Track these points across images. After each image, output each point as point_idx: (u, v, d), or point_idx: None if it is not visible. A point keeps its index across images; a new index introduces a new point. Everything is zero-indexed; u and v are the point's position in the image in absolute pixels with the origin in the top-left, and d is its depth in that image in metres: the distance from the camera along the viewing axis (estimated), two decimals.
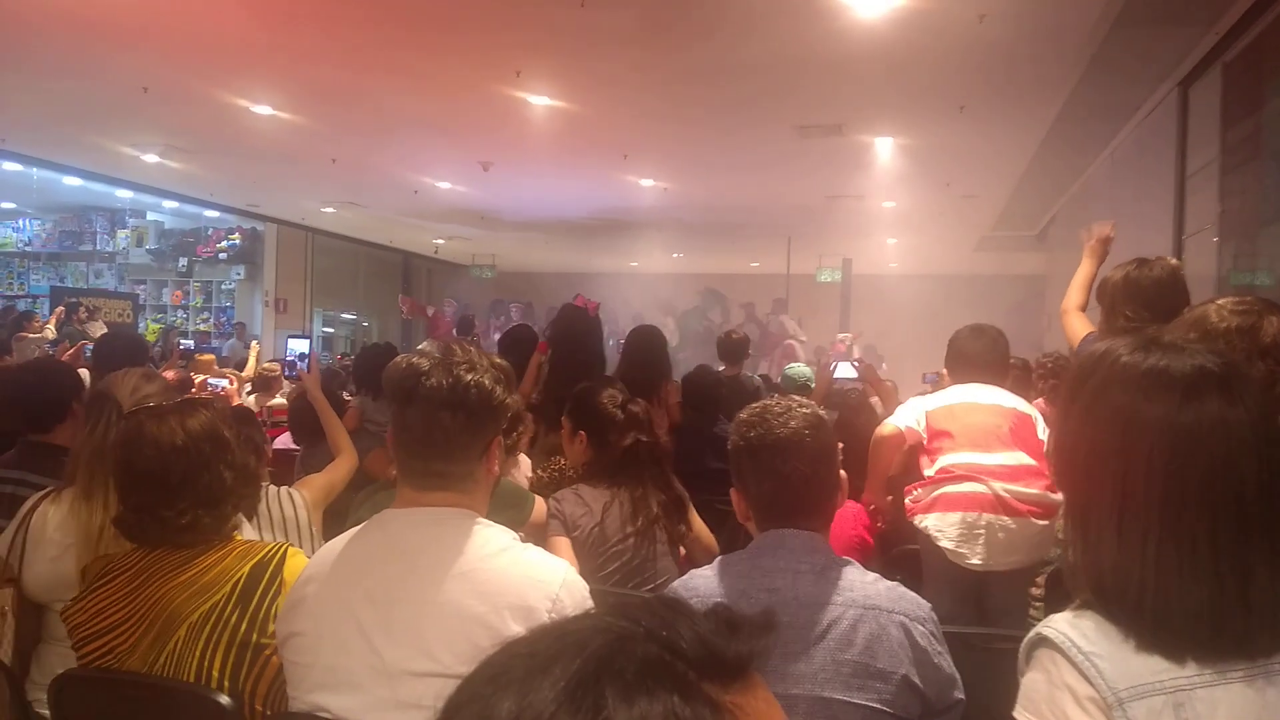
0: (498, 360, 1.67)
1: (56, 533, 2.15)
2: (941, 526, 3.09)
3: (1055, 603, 3.03)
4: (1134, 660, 1.05)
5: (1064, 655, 1.07)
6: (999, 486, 3.04)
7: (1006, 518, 3.03)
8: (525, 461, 3.50)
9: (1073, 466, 1.17)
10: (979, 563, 3.04)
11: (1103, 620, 1.08)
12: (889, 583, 1.71)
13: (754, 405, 1.85)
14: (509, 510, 2.70)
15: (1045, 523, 3.07)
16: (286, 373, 4.24)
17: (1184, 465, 1.07)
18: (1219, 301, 1.93)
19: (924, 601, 1.70)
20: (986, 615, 3.14)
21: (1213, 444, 1.07)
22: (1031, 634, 1.14)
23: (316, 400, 3.24)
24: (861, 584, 1.68)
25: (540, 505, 2.82)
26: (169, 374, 5.28)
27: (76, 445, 2.26)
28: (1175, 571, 1.05)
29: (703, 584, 1.76)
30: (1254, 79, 5.00)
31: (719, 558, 1.82)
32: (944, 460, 3.16)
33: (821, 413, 1.84)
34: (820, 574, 1.68)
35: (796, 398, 1.88)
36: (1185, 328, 1.88)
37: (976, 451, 3.12)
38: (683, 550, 2.91)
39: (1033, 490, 3.06)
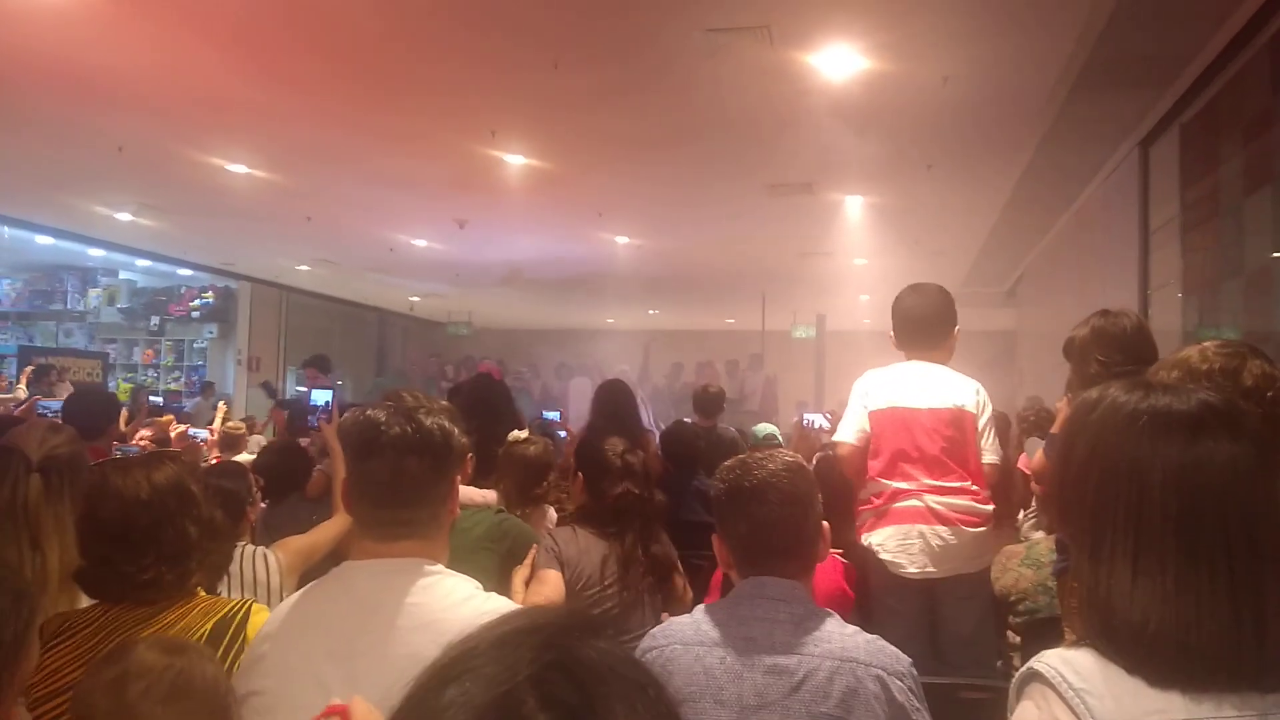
0: (443, 403, 1.68)
1: None
2: (880, 540, 3.21)
3: (1033, 653, 3.05)
4: (1126, 699, 1.05)
5: (1055, 690, 1.07)
6: (931, 500, 3.18)
7: (941, 526, 3.16)
8: (551, 513, 3.51)
9: (1079, 510, 1.17)
10: (916, 571, 3.15)
11: (1100, 658, 1.09)
12: (869, 635, 1.70)
13: (739, 455, 1.89)
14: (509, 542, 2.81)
15: (978, 530, 3.20)
16: (310, 422, 4.22)
17: (1198, 498, 1.08)
18: (1205, 344, 1.98)
19: (904, 656, 1.69)
20: (943, 649, 3.16)
21: (1223, 478, 1.08)
22: (1024, 669, 1.14)
23: (335, 452, 3.08)
24: (840, 636, 1.67)
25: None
26: (146, 431, 5.18)
27: None
28: (1194, 601, 1.06)
29: (680, 631, 1.75)
30: (1211, 139, 5.15)
31: (699, 605, 1.81)
32: (880, 485, 3.27)
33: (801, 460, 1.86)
34: (798, 624, 1.68)
35: (781, 449, 1.91)
36: (1169, 368, 1.92)
37: (911, 474, 3.23)
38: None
39: (962, 501, 3.19)
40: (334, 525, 2.78)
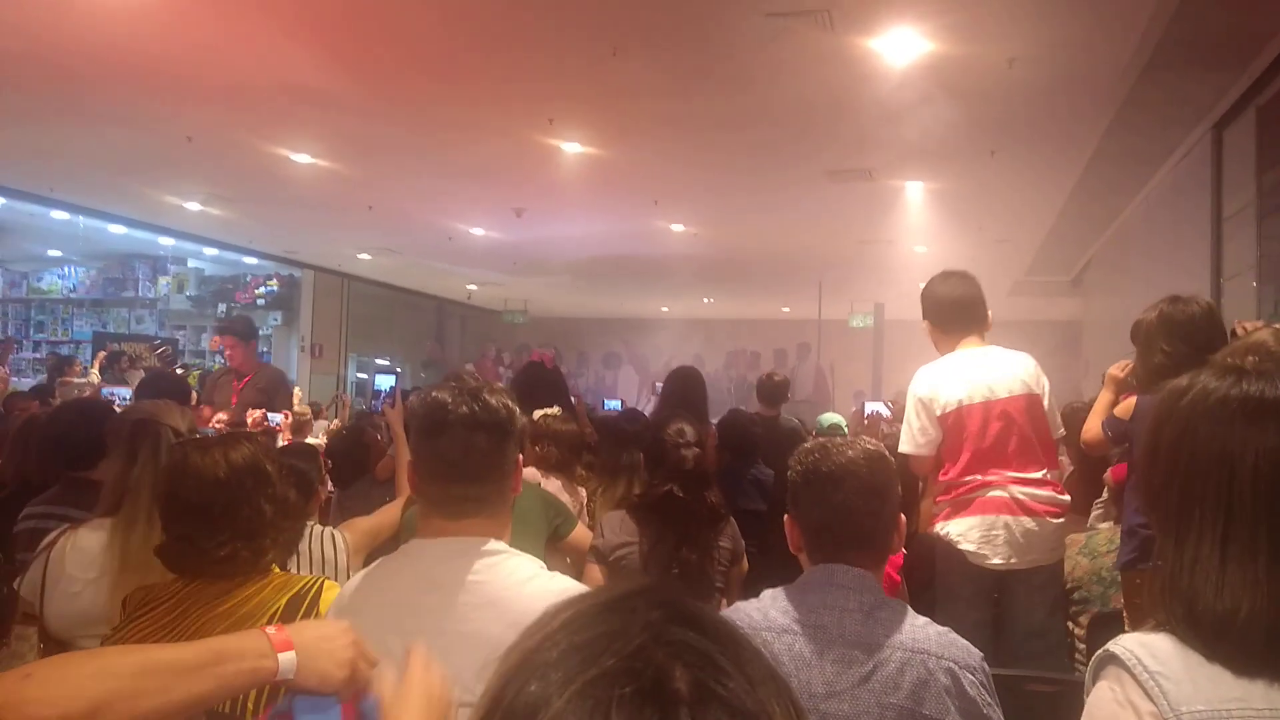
0: (499, 384, 1.73)
1: (76, 569, 2.15)
2: (962, 530, 3.16)
3: (1098, 647, 3.03)
4: (1205, 685, 1.04)
5: (1130, 673, 1.07)
6: (1016, 490, 3.13)
7: (1025, 517, 3.13)
8: (582, 494, 3.60)
9: (1165, 496, 1.16)
10: (1000, 562, 3.11)
11: (1178, 644, 1.08)
12: (940, 628, 1.69)
13: (820, 439, 1.88)
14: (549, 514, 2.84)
15: (1060, 521, 3.17)
16: (374, 406, 4.37)
17: None
18: (1278, 326, 1.94)
19: (975, 650, 1.67)
20: (1013, 640, 3.13)
21: None
22: (1100, 652, 1.14)
23: (398, 435, 3.25)
24: (911, 627, 1.66)
25: (582, 531, 2.86)
26: (223, 415, 5.33)
27: (125, 477, 2.24)
28: None
29: (747, 616, 1.74)
30: None
31: (767, 590, 1.79)
32: (961, 476, 3.21)
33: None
34: (868, 614, 1.66)
35: (866, 438, 1.90)
36: (1243, 351, 1.90)
37: (989, 466, 3.18)
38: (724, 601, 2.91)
39: (1044, 492, 3.16)
40: (398, 506, 2.84)
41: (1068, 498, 3.23)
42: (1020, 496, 3.12)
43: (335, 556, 2.61)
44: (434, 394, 1.65)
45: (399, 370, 16.71)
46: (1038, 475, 3.16)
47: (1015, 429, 3.17)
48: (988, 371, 3.24)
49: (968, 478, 3.18)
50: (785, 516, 1.83)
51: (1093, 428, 3.26)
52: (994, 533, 3.11)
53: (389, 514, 2.84)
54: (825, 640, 1.64)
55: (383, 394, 4.10)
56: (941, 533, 3.19)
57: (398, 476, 3.08)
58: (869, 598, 1.69)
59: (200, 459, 1.83)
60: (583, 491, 3.68)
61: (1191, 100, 5.75)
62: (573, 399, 5.08)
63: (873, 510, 1.75)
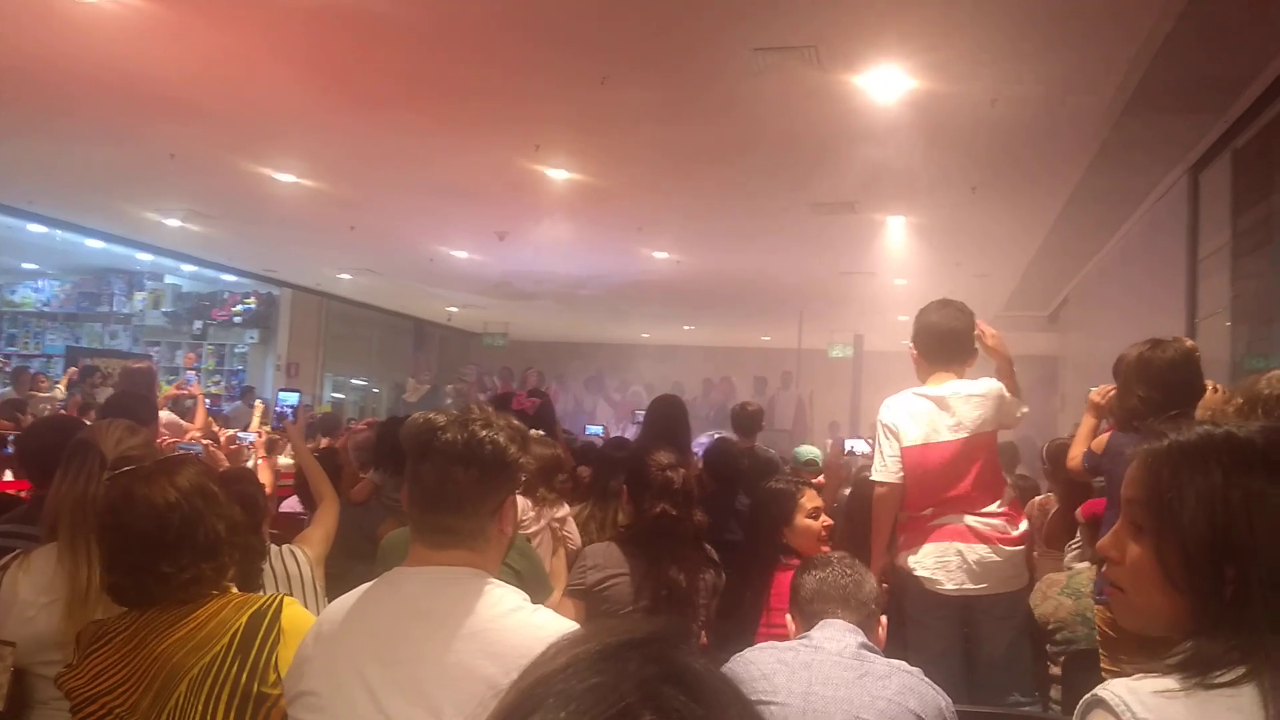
0: (514, 421, 1.67)
1: (30, 594, 2.07)
2: (918, 558, 3.20)
3: (1074, 685, 3.05)
4: None
5: (1117, 718, 1.06)
6: (970, 519, 3.18)
7: (979, 544, 3.16)
8: (524, 503, 3.56)
9: (1194, 552, 1.12)
10: (953, 588, 3.13)
11: (1167, 690, 1.07)
12: (929, 681, 1.89)
13: (823, 556, 2.19)
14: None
15: (1015, 549, 3.20)
16: (274, 424, 4.34)
17: None
18: (1272, 373, 2.01)
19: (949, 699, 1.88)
20: (978, 673, 3.16)
21: None
22: (1088, 695, 1.13)
23: (299, 449, 3.42)
24: (903, 665, 1.87)
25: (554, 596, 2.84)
26: (197, 432, 5.25)
27: (56, 498, 2.16)
28: None
29: (747, 656, 1.92)
30: (1264, 165, 5.06)
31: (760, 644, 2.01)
32: (918, 510, 3.26)
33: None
34: (862, 644, 1.90)
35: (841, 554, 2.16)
36: (1237, 391, 1.97)
37: (943, 501, 3.23)
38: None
39: (999, 522, 3.20)
40: (329, 510, 2.96)
41: (1024, 526, 3.27)
42: (974, 524, 3.17)
43: (300, 570, 2.66)
44: (429, 416, 1.63)
45: (375, 390, 16.62)
46: (993, 507, 3.22)
47: (969, 469, 3.22)
48: (945, 411, 3.27)
49: (924, 511, 3.24)
50: (788, 615, 2.09)
51: (1075, 456, 3.32)
52: (947, 559, 3.15)
53: (328, 520, 2.92)
54: (825, 654, 1.86)
55: (282, 410, 4.14)
56: (901, 564, 3.24)
57: (313, 485, 3.16)
58: (863, 636, 1.92)
59: (146, 488, 1.79)
60: (558, 511, 3.63)
61: (1170, 142, 5.84)
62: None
63: (857, 582, 2.04)
